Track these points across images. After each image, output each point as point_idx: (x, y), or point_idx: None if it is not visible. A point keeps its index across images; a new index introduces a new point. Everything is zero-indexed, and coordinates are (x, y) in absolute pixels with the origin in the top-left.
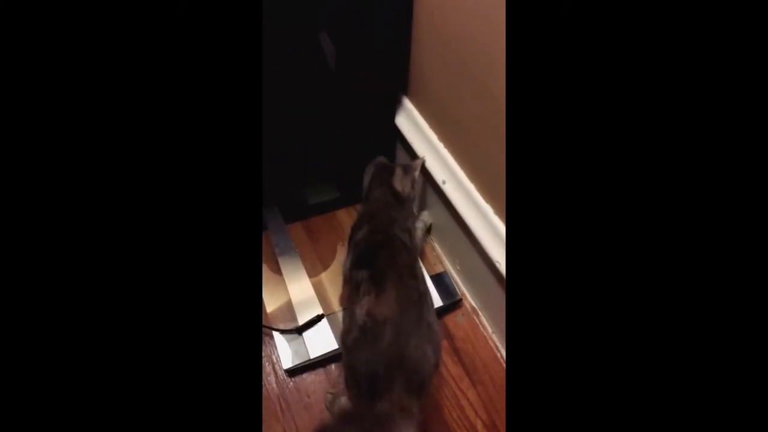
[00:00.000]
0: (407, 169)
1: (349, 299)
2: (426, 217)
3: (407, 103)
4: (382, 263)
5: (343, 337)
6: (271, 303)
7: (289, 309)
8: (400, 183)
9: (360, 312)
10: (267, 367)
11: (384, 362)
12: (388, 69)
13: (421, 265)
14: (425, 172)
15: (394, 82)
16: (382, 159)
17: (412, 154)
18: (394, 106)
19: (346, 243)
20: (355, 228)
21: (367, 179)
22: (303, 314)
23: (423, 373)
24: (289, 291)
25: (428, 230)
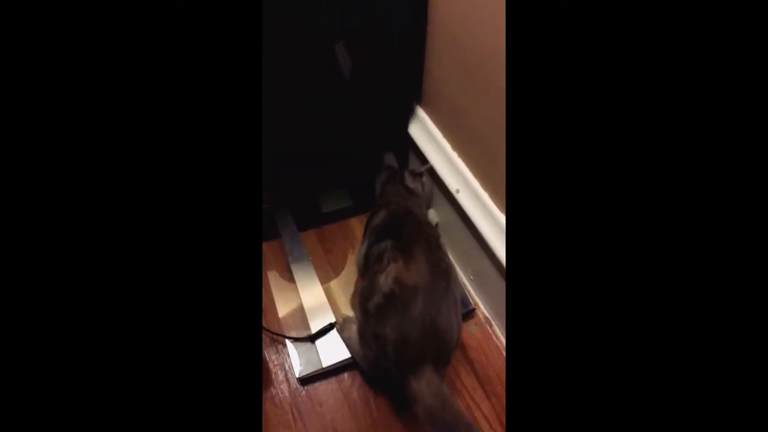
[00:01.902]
0: (414, 175)
1: (365, 273)
2: (432, 215)
3: (420, 112)
4: (409, 232)
5: (361, 302)
6: (283, 310)
7: (302, 317)
8: (411, 183)
9: (386, 279)
10: (280, 375)
11: (417, 330)
12: (402, 79)
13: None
14: (438, 181)
15: (408, 92)
16: (390, 158)
17: (425, 163)
18: (407, 116)
19: (361, 235)
20: (371, 217)
21: (379, 183)
22: (316, 322)
23: (450, 345)
24: (302, 299)
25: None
